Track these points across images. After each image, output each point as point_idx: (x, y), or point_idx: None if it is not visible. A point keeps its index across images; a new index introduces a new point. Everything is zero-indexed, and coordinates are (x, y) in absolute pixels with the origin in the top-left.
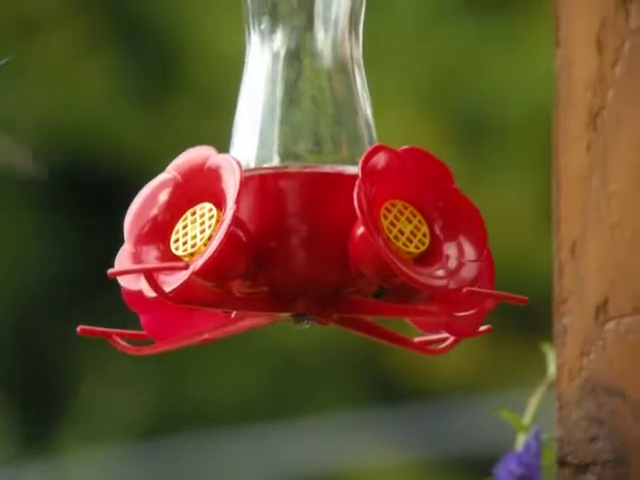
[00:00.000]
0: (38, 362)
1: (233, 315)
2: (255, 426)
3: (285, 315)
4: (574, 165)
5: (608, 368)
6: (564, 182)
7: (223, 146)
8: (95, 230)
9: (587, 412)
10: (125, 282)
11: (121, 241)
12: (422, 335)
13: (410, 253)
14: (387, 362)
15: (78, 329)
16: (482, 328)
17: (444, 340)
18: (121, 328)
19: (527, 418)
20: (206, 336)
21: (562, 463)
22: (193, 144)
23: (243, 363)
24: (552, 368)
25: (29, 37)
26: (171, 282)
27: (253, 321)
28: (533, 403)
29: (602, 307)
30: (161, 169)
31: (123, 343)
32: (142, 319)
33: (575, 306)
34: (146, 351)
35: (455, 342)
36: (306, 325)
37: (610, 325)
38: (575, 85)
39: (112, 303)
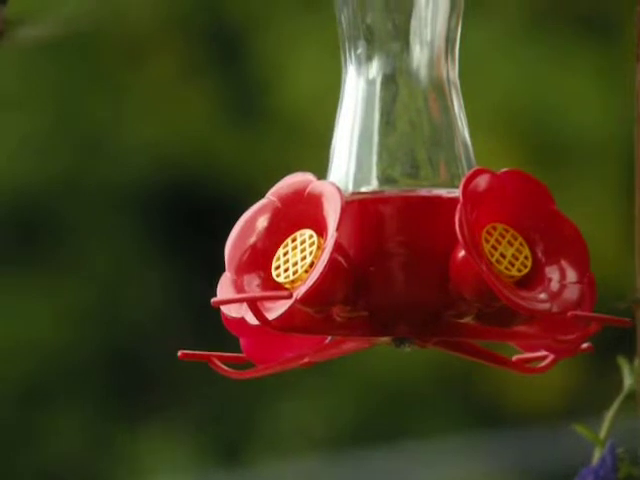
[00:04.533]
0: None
1: (332, 339)
2: (350, 450)
3: (385, 339)
4: None
5: None
6: None
7: (319, 170)
8: (192, 255)
9: None
10: (228, 310)
11: (219, 265)
12: (520, 353)
13: (512, 277)
14: (483, 385)
15: (179, 354)
16: (582, 346)
17: (543, 358)
18: (219, 351)
19: (603, 432)
20: (306, 360)
21: None
22: (290, 168)
23: (339, 387)
24: (628, 382)
25: (134, 60)
26: (274, 310)
27: (353, 344)
28: (609, 417)
29: None
30: (256, 193)
31: (223, 366)
32: (242, 342)
33: None
34: (247, 374)
35: (554, 361)
36: (407, 348)
37: None
38: None
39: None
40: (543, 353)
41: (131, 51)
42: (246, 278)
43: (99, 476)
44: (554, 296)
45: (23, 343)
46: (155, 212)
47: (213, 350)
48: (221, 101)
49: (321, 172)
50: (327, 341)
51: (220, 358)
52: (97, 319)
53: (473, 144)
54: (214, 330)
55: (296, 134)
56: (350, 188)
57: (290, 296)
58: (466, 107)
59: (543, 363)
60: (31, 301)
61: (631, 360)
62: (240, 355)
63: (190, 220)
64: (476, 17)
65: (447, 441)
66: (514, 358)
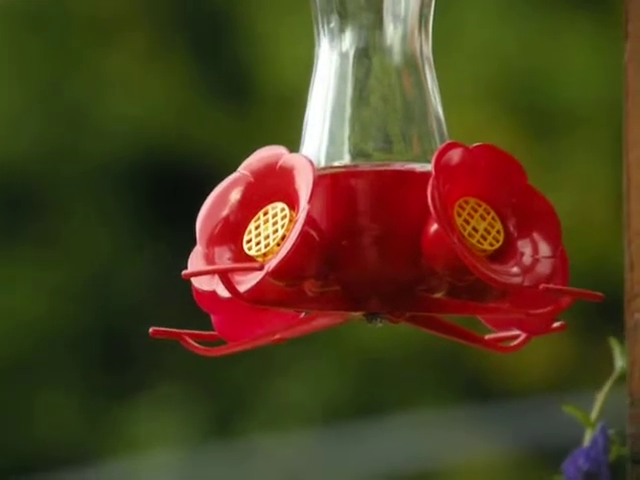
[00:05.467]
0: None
1: (304, 314)
2: (344, 425)
3: (357, 314)
4: None
5: None
6: (634, 175)
7: (296, 147)
8: (176, 230)
9: None
10: (198, 283)
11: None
12: (494, 332)
13: (484, 250)
14: (473, 361)
15: (150, 330)
16: (555, 325)
17: (516, 337)
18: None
19: (594, 413)
20: (278, 336)
21: (635, 460)
22: (264, 141)
23: (328, 362)
24: (619, 363)
25: (112, 37)
26: (245, 282)
27: (325, 320)
28: (600, 398)
29: None
30: (235, 169)
31: (194, 344)
32: (213, 319)
33: None
34: (217, 352)
35: (526, 339)
36: (378, 324)
37: None
38: None
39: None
40: (516, 332)
41: (109, 27)
42: (217, 251)
43: (92, 451)
44: (526, 270)
45: (12, 319)
46: (138, 187)
47: (198, 326)
48: (201, 76)
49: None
50: (299, 317)
51: (191, 336)
52: (82, 295)
53: (447, 119)
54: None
55: (278, 109)
56: (322, 162)
57: (261, 268)
58: (457, 77)
59: (516, 342)
60: (15, 276)
61: (623, 340)
62: (212, 333)
63: (173, 195)
64: None
65: (437, 416)
66: (487, 337)
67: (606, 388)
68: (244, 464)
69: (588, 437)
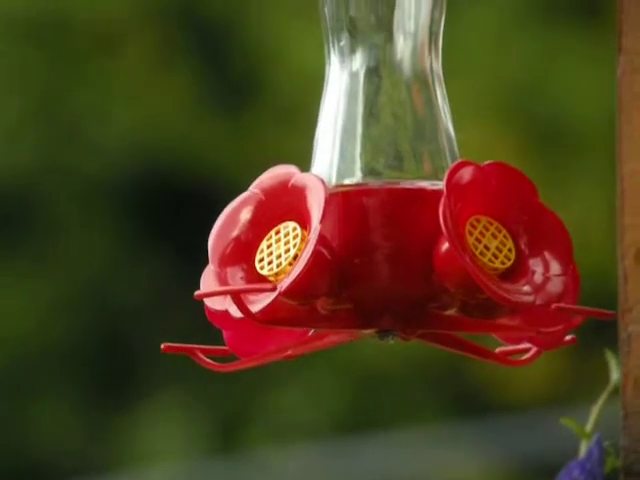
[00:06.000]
0: None
1: (315, 331)
2: (341, 439)
3: (369, 331)
4: (637, 172)
5: None
6: (627, 189)
7: (302, 160)
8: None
9: None
10: (211, 303)
11: (201, 253)
12: (503, 346)
13: (496, 269)
14: (470, 376)
15: (162, 346)
16: (566, 339)
17: (526, 351)
18: (202, 344)
19: (589, 425)
20: (289, 352)
21: (628, 472)
22: (271, 157)
23: (327, 376)
24: (615, 376)
25: (110, 50)
26: (258, 302)
27: (337, 337)
28: (595, 411)
29: None
30: (239, 181)
31: (206, 359)
32: (225, 335)
33: None
34: (230, 367)
35: (537, 353)
36: (390, 341)
37: None
38: (638, 91)
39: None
40: (526, 345)
41: (110, 37)
42: (230, 271)
43: (92, 464)
44: (537, 288)
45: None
46: (135, 199)
47: (196, 336)
48: (203, 87)
49: (307, 160)
50: (310, 333)
51: (204, 351)
52: (81, 306)
53: (457, 135)
54: (199, 317)
55: (281, 121)
56: (333, 180)
57: (274, 289)
58: (468, 94)
59: (526, 355)
60: (14, 288)
61: (618, 352)
62: (223, 348)
63: (170, 208)
64: (473, 6)
65: (433, 430)
66: (497, 350)
67: (601, 400)
68: (244, 477)
69: (583, 449)
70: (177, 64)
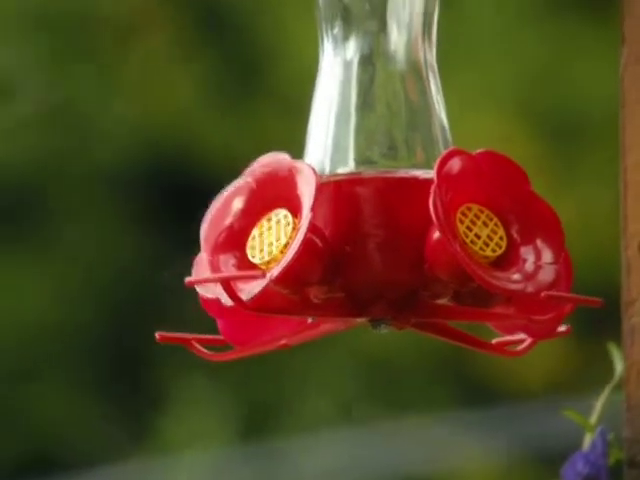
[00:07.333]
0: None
1: (310, 320)
2: (349, 428)
3: (362, 320)
4: None
5: None
6: (630, 180)
7: (300, 150)
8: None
9: None
10: (203, 290)
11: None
12: (499, 336)
13: (487, 257)
14: (474, 366)
15: (157, 336)
16: (560, 329)
17: (522, 341)
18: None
19: (594, 418)
20: (284, 341)
21: (631, 464)
22: (274, 147)
23: (335, 365)
24: (619, 368)
25: (123, 41)
26: (248, 290)
27: (330, 326)
28: (600, 403)
29: None
30: (241, 172)
31: (202, 349)
32: (219, 324)
33: None
34: (225, 357)
35: (533, 343)
36: (383, 330)
37: None
38: None
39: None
40: (522, 336)
41: (119, 29)
42: (222, 258)
43: (120, 450)
44: (529, 276)
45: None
46: (141, 192)
47: (195, 326)
48: (211, 80)
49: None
50: (305, 323)
51: (199, 340)
52: (94, 297)
53: (451, 126)
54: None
55: (286, 114)
56: (327, 169)
57: (264, 276)
58: (475, 85)
59: (522, 346)
60: (21, 279)
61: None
62: (219, 338)
63: (175, 199)
64: None
65: (437, 419)
66: (493, 341)
67: (605, 392)
68: (268, 467)
69: (587, 441)
70: (186, 56)
